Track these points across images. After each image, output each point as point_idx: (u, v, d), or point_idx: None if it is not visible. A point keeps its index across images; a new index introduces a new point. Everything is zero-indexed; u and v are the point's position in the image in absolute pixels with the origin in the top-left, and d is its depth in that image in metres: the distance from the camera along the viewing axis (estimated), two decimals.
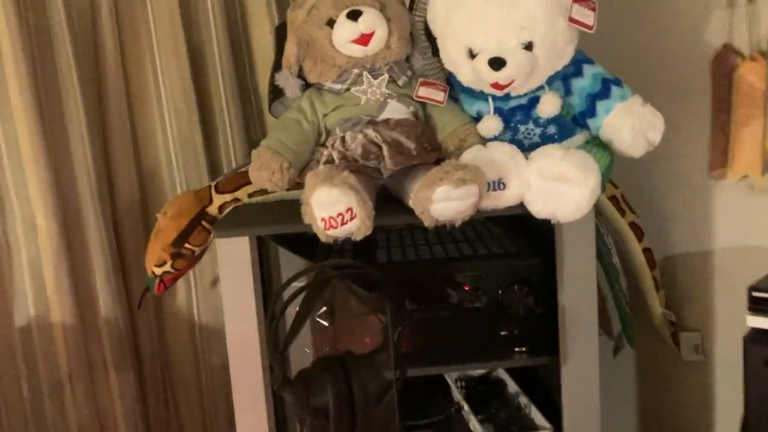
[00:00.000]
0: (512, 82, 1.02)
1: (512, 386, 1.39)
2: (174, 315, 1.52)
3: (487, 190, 1.02)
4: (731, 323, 1.40)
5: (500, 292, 1.16)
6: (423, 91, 1.11)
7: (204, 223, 1.21)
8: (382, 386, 0.84)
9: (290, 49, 1.12)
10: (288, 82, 1.12)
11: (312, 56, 1.09)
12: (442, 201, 0.97)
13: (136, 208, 1.46)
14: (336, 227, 0.97)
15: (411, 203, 1.01)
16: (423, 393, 1.39)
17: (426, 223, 1.00)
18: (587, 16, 1.02)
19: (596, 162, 1.02)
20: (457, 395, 1.37)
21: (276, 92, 1.18)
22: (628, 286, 1.36)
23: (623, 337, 1.39)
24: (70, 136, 1.35)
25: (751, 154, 1.28)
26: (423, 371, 1.19)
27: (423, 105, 1.12)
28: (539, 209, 1.01)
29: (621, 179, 1.29)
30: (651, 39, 1.38)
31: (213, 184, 1.23)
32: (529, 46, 1.02)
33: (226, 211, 1.20)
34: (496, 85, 1.03)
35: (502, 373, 1.41)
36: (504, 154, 1.02)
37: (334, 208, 0.95)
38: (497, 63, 1.00)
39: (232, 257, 1.06)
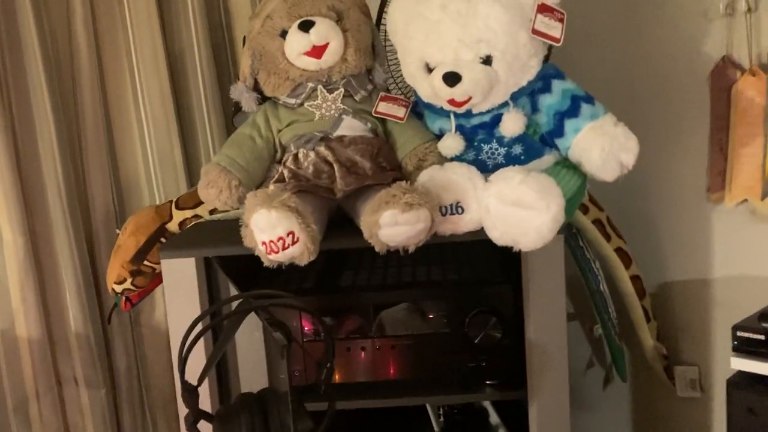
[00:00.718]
0: (469, 98, 0.95)
1: (494, 417, 1.31)
2: (151, 328, 1.48)
3: (444, 214, 0.96)
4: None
5: (467, 320, 1.09)
6: (383, 107, 1.04)
7: (164, 240, 1.17)
8: (306, 426, 0.77)
9: (245, 61, 1.06)
10: (243, 95, 1.06)
11: (266, 69, 1.04)
12: (388, 226, 0.91)
13: (112, 220, 1.43)
14: (277, 252, 0.91)
15: (361, 227, 0.94)
16: (401, 422, 1.33)
17: (376, 249, 0.93)
18: (553, 28, 0.94)
19: (564, 185, 0.94)
20: (435, 426, 1.30)
21: (239, 104, 1.13)
22: (618, 315, 1.27)
23: (614, 369, 1.31)
24: (40, 146, 1.32)
25: (750, 177, 1.17)
26: (388, 402, 1.13)
27: (383, 121, 1.06)
28: (498, 236, 0.94)
29: (610, 201, 1.20)
30: (647, 50, 1.29)
31: (174, 199, 1.19)
32: (487, 60, 0.94)
33: (187, 228, 1.16)
34: (452, 102, 0.96)
35: (485, 402, 1.34)
36: (461, 175, 0.95)
37: (273, 232, 0.90)
38: (452, 78, 0.93)
39: (177, 279, 1.02)
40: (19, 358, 1.33)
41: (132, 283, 1.20)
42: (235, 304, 0.85)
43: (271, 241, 0.91)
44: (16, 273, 1.30)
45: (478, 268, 1.18)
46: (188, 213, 1.17)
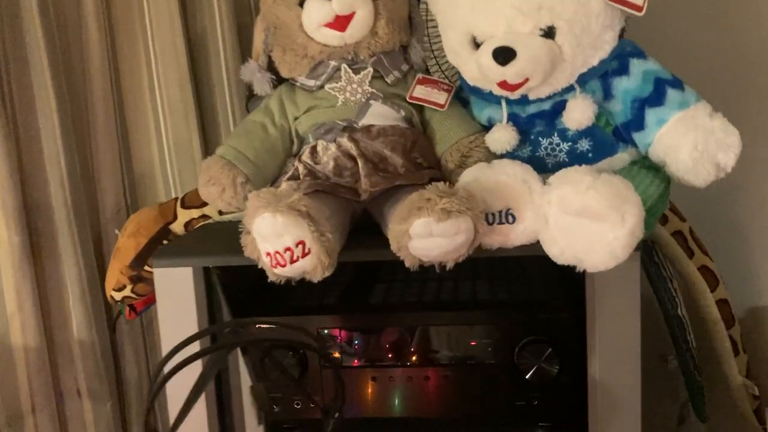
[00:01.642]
0: (525, 80, 0.76)
1: None
2: None
3: (491, 223, 0.78)
4: None
5: (516, 350, 0.90)
6: (420, 91, 0.86)
7: (167, 242, 1.02)
8: None
9: (258, 36, 0.90)
10: (255, 76, 0.90)
11: (280, 44, 0.87)
12: (421, 237, 0.73)
13: (123, 217, 1.28)
14: (284, 265, 0.75)
15: (388, 236, 0.77)
16: None
17: (407, 264, 0.76)
18: None
19: (641, 192, 0.75)
20: None
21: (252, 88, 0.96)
22: (699, 345, 1.06)
23: (690, 407, 1.10)
24: (43, 135, 1.19)
25: None
26: None
27: (421, 109, 0.88)
28: (559, 252, 0.75)
29: (692, 211, 1.00)
30: (739, 33, 1.07)
31: (180, 197, 1.04)
32: (549, 33, 0.75)
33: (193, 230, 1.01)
34: (504, 85, 0.77)
35: None
36: (514, 176, 0.77)
37: (280, 241, 0.73)
38: (503, 54, 0.74)
39: (171, 291, 0.86)
40: (14, 367, 1.19)
41: (132, 290, 1.06)
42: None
43: (277, 253, 0.74)
44: (11, 275, 1.17)
45: (533, 287, 0.99)
46: (195, 212, 1.02)
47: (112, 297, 1.08)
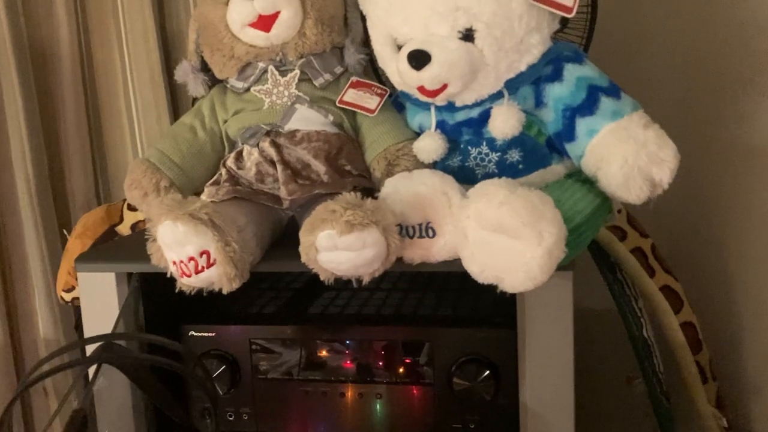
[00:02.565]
0: (444, 86, 0.71)
1: None
2: None
3: (412, 236, 0.74)
4: None
5: (453, 369, 0.86)
6: (351, 95, 0.82)
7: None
8: None
9: (191, 36, 0.88)
10: (188, 76, 0.87)
11: (208, 44, 0.84)
12: (327, 250, 0.70)
13: None
14: (189, 275, 0.72)
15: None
16: None
17: (321, 277, 0.73)
18: None
19: (568, 208, 0.70)
20: None
21: None
22: (668, 368, 0.99)
23: None
24: (10, 135, 1.19)
25: None
26: None
27: (353, 113, 0.84)
28: (479, 270, 0.71)
29: (657, 223, 0.93)
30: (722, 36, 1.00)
31: None
32: (468, 36, 0.71)
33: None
34: (422, 90, 0.73)
35: None
36: (433, 188, 0.73)
37: (183, 251, 0.71)
38: (417, 58, 0.70)
39: (95, 297, 0.84)
40: None
41: None
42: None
43: (182, 262, 0.72)
44: None
45: (477, 302, 0.94)
46: (140, 215, 1.00)
47: (62, 298, 1.07)
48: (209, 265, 0.72)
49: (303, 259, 0.72)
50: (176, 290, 0.75)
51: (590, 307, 0.99)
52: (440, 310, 0.93)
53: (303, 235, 0.71)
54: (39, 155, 1.21)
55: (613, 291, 0.96)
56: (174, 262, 0.72)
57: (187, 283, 0.73)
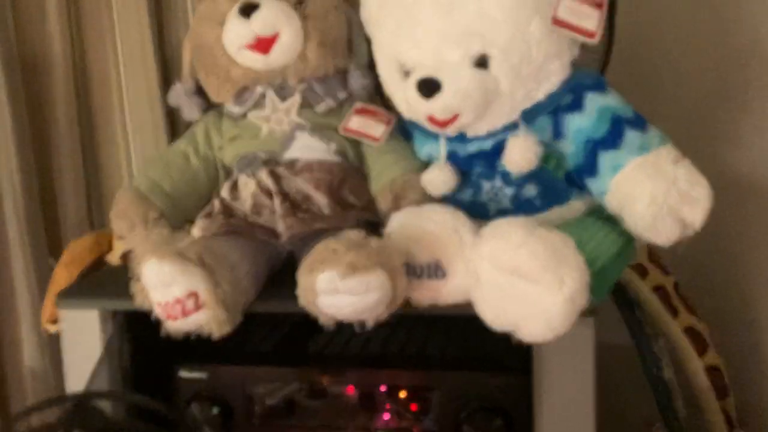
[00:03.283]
0: (455, 116, 0.66)
1: None
2: None
3: (420, 276, 0.68)
4: None
5: (462, 416, 0.79)
6: (355, 123, 0.77)
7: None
8: None
9: (185, 57, 0.82)
10: (182, 99, 0.82)
11: (204, 66, 0.79)
12: (327, 294, 0.64)
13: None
14: (176, 318, 0.66)
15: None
16: None
17: (321, 321, 0.67)
18: (585, 17, 0.63)
19: (591, 249, 0.64)
20: None
21: None
22: (691, 413, 0.93)
23: None
24: None
25: None
26: None
27: (358, 141, 0.78)
28: (493, 316, 0.65)
29: (679, 257, 0.87)
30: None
31: None
32: (482, 62, 0.65)
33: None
34: (432, 120, 0.67)
35: None
36: (443, 225, 0.67)
37: (168, 292, 0.66)
38: (427, 86, 0.64)
39: (78, 336, 0.79)
40: None
41: None
42: None
43: (167, 304, 0.66)
44: None
45: (488, 341, 0.88)
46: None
47: (46, 330, 1.01)
48: (197, 308, 0.66)
49: (301, 302, 0.66)
50: (161, 336, 0.69)
51: (607, 341, 0.93)
52: (449, 349, 0.87)
53: (301, 277, 0.65)
54: (28, 176, 1.16)
55: (632, 329, 0.90)
56: (159, 304, 0.67)
57: (174, 327, 0.68)
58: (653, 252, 0.87)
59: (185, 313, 0.66)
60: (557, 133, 0.69)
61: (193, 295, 0.65)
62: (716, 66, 0.98)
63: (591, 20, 0.63)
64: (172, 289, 0.65)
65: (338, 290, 0.63)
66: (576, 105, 0.68)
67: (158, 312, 0.68)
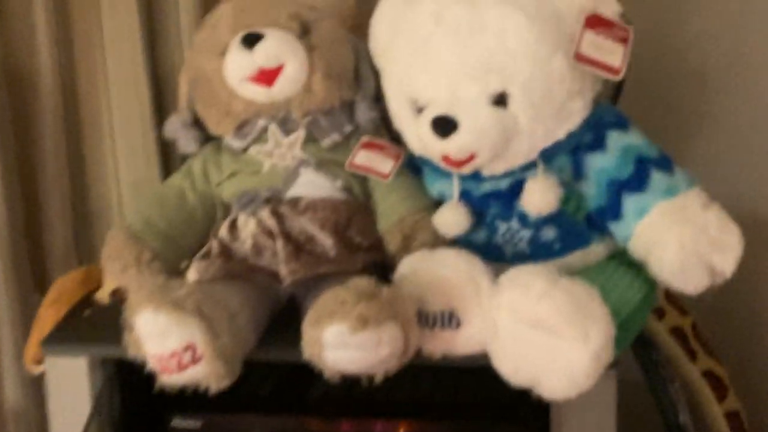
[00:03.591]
0: (471, 156, 0.62)
1: None
2: None
3: (432, 326, 0.64)
4: None
5: None
6: (362, 158, 0.73)
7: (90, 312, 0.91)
8: None
9: (182, 87, 0.78)
10: (178, 132, 0.78)
11: (203, 99, 0.75)
12: (335, 348, 0.60)
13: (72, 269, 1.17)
14: (172, 372, 0.62)
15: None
16: None
17: (327, 375, 0.63)
18: (610, 52, 0.60)
19: (616, 299, 0.60)
20: None
21: None
22: None
23: None
24: None
25: None
26: None
27: (365, 178, 0.74)
28: (512, 370, 0.61)
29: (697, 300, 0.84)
30: None
31: None
32: (500, 100, 0.61)
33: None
34: (447, 160, 0.63)
35: None
36: (458, 271, 0.63)
37: (164, 344, 0.61)
38: (443, 125, 0.61)
39: (64, 386, 0.74)
40: None
41: None
42: None
43: (163, 357, 0.61)
44: None
45: (498, 394, 0.84)
46: None
47: (30, 371, 0.96)
48: (195, 362, 0.62)
49: (306, 355, 0.62)
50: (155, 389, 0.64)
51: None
52: (459, 395, 0.82)
53: (307, 328, 0.61)
54: (13, 204, 1.11)
55: (646, 371, 0.86)
56: (154, 357, 0.62)
57: (169, 380, 0.63)
58: (670, 291, 0.84)
59: (182, 367, 0.62)
60: (578, 173, 0.65)
61: (191, 347, 0.61)
62: None
63: (615, 56, 0.60)
64: (168, 342, 0.61)
65: (348, 345, 0.59)
66: (597, 144, 0.64)
67: (153, 365, 0.63)
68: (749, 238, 0.61)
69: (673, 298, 0.84)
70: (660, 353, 0.86)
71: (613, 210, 0.64)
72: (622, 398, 0.91)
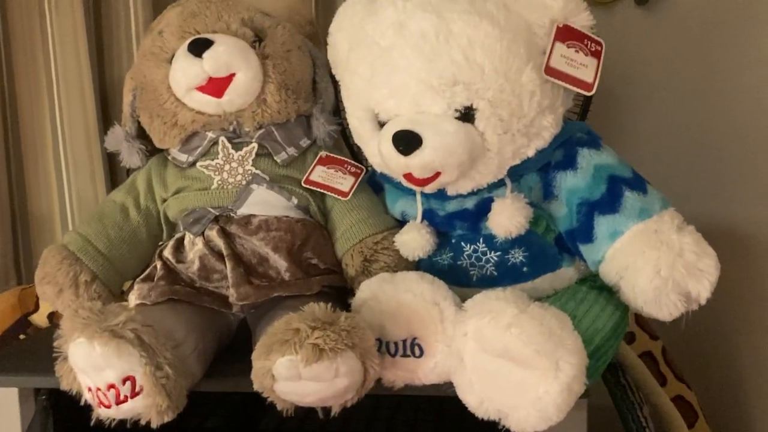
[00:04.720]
0: (436, 174, 0.58)
1: None
2: None
3: (394, 354, 0.60)
4: None
5: None
6: (319, 174, 0.69)
7: (25, 336, 0.84)
8: None
9: (126, 97, 0.73)
10: (121, 144, 0.72)
11: (147, 108, 0.70)
12: (287, 380, 0.55)
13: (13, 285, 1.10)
14: (109, 405, 0.56)
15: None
16: None
17: (279, 407, 0.58)
18: (582, 66, 0.57)
19: (587, 326, 0.57)
20: None
21: None
22: None
23: None
24: None
25: None
26: None
27: (323, 195, 0.70)
28: (478, 402, 0.57)
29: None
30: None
31: None
32: (467, 115, 0.58)
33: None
34: (410, 178, 0.59)
35: None
36: (421, 296, 0.59)
37: (100, 377, 0.55)
38: (406, 141, 0.56)
39: None
40: None
41: None
42: None
43: (99, 390, 0.56)
44: None
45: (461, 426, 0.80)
46: None
47: None
48: (134, 395, 0.56)
49: (256, 386, 0.58)
50: (92, 421, 0.59)
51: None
52: (420, 428, 0.78)
53: (257, 360, 0.56)
54: None
55: (615, 396, 0.83)
56: (90, 390, 0.57)
57: (107, 414, 0.58)
58: (639, 315, 0.81)
59: (119, 401, 0.56)
60: (547, 193, 0.62)
61: (130, 379, 0.56)
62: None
63: (587, 70, 0.57)
64: (105, 374, 0.55)
65: (301, 377, 0.55)
66: (568, 162, 0.61)
67: (88, 398, 0.58)
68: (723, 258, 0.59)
69: (643, 321, 0.81)
70: (629, 377, 0.84)
71: (584, 232, 0.60)
72: (590, 423, 0.88)
